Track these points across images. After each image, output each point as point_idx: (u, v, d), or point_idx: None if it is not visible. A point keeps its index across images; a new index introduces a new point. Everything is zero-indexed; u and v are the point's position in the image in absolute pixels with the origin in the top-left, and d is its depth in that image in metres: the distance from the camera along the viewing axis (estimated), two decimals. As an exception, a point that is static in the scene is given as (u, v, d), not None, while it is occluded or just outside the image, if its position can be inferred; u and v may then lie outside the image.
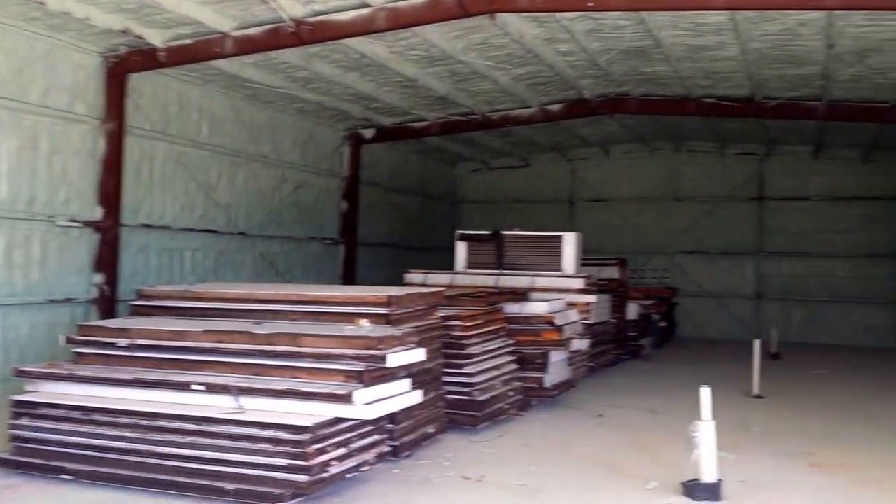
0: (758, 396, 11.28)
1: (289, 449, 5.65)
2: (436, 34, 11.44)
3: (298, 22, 10.31)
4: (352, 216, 17.61)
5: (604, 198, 22.33)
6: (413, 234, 21.08)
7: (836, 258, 20.19)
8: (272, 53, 11.64)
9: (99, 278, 11.27)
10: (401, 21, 10.16)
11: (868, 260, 19.93)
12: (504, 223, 21.06)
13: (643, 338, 15.99)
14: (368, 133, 17.49)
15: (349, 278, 17.42)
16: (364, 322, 6.72)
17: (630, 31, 11.52)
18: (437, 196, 22.65)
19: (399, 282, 12.57)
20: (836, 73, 12.70)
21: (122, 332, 6.97)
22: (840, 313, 20.10)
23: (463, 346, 8.52)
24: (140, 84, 12.01)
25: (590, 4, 9.50)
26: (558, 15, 10.63)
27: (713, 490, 6.16)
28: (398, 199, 20.29)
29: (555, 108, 16.33)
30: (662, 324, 17.77)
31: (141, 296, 8.16)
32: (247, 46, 10.96)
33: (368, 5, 10.04)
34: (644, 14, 10.46)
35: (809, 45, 11.46)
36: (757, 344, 11.78)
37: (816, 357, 16.58)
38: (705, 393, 6.13)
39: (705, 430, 6.07)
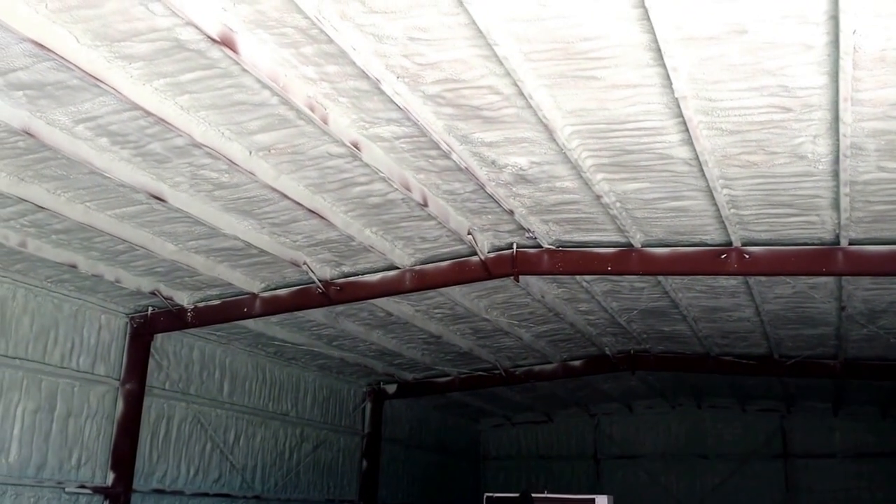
0: None
1: None
2: (460, 294, 11.70)
3: (327, 283, 10.61)
4: (373, 476, 17.07)
5: (629, 454, 21.69)
6: (434, 494, 20.28)
7: (869, 519, 19.18)
8: (299, 312, 11.87)
9: (106, 549, 10.74)
10: (427, 283, 10.41)
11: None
12: (528, 481, 20.46)
13: None
14: (390, 388, 17.41)
15: (368, 545, 16.57)
16: None
17: (647, 293, 11.76)
18: (459, 452, 22.04)
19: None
20: (850, 333, 12.80)
21: None
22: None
23: None
24: (163, 343, 12.16)
25: (609, 269, 9.76)
26: (578, 277, 10.90)
27: None
28: (419, 457, 19.75)
29: (576, 363, 16.34)
30: None
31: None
32: (274, 306, 11.19)
33: (396, 267, 10.36)
34: (660, 277, 10.72)
35: (822, 307, 11.64)
36: None
37: None
38: None
39: None
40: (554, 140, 6.87)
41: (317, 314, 12.20)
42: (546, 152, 7.26)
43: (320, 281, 10.49)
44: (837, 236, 8.67)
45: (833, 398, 18.90)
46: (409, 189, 7.93)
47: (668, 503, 20.81)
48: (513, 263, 9.91)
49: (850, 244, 8.79)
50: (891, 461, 19.29)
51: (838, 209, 7.91)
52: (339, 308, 11.99)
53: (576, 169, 7.47)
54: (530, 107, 6.30)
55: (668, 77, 5.72)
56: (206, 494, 12.87)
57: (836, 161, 6.88)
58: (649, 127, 6.67)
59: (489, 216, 9.06)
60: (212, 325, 11.91)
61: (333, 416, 16.31)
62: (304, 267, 10.13)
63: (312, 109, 6.39)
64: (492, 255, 9.96)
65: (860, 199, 7.71)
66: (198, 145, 6.96)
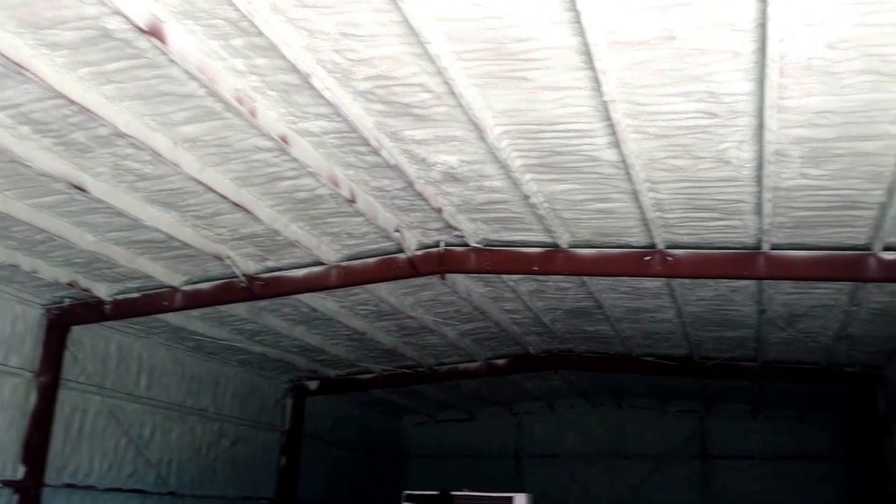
0: None
1: None
2: (386, 291, 11.63)
3: (251, 278, 10.41)
4: (291, 473, 16.85)
5: (550, 453, 21.91)
6: (356, 492, 20.15)
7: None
8: (221, 307, 11.62)
9: (12, 546, 10.36)
10: (353, 279, 10.32)
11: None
12: (451, 479, 20.46)
13: None
14: (312, 385, 17.21)
15: (285, 542, 16.36)
16: None
17: (572, 293, 11.88)
18: (382, 450, 21.94)
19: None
20: (770, 337, 13.14)
21: None
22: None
23: None
24: (80, 336, 11.77)
25: (535, 268, 9.84)
26: (505, 276, 10.96)
27: None
28: (340, 454, 19.57)
29: (500, 362, 16.43)
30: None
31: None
32: (196, 300, 10.92)
33: (322, 263, 10.24)
34: (585, 278, 10.84)
35: (742, 310, 11.94)
36: None
37: None
38: None
39: None
40: (484, 139, 6.88)
41: (239, 309, 11.96)
42: (476, 151, 7.27)
43: (244, 275, 10.29)
44: (759, 241, 8.87)
45: (752, 400, 19.39)
46: (337, 185, 7.84)
47: (587, 502, 21.10)
48: (440, 261, 9.91)
49: (771, 249, 9.00)
50: (807, 464, 19.81)
51: (761, 214, 8.09)
52: (263, 303, 11.80)
53: (505, 169, 7.49)
54: (461, 106, 6.30)
55: (597, 80, 5.78)
56: (120, 489, 12.51)
57: (760, 167, 7.04)
58: (578, 129, 6.73)
59: (417, 214, 9.02)
60: (130, 318, 11.61)
61: (253, 412, 16.03)
62: (228, 261, 9.92)
63: (240, 102, 6.27)
64: (419, 252, 9.93)
65: (783, 204, 7.91)
66: (122, 135, 6.77)
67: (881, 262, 8.70)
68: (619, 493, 21.09)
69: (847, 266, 8.87)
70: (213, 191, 7.79)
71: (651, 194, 7.96)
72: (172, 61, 5.76)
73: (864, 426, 14.91)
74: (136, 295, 11.06)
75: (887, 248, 8.63)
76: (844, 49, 5.27)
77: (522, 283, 11.52)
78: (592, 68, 5.65)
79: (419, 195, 8.23)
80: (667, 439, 21.08)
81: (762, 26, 5.06)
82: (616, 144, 6.86)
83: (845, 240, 8.68)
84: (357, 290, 11.39)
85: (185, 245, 9.41)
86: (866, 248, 8.73)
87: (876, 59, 5.33)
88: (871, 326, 11.91)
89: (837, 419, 19.57)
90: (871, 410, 14.62)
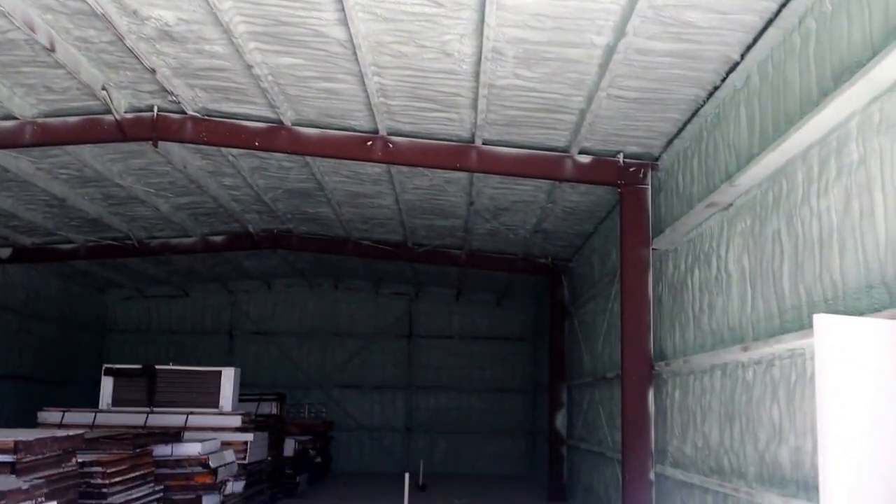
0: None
1: None
2: (90, 155, 10.76)
3: (-75, 128, 9.16)
4: (-24, 345, 15.52)
5: (264, 331, 22.11)
6: (52, 367, 18.99)
7: (475, 393, 21.91)
8: None
9: None
10: (51, 139, 9.42)
11: (500, 394, 21.85)
12: (159, 356, 19.99)
13: (299, 474, 15.73)
14: (4, 253, 15.73)
15: (-34, 417, 15.16)
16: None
17: (295, 173, 11.77)
18: (83, 324, 20.76)
19: (32, 422, 11.28)
20: (476, 227, 14.01)
21: None
22: (478, 444, 21.65)
23: (104, 496, 7.88)
24: None
25: (256, 144, 9.58)
26: (224, 150, 10.56)
27: None
28: (35, 327, 18.25)
29: (217, 239, 16.05)
30: (318, 459, 17.68)
31: None
32: None
33: (14, 118, 9.21)
34: (308, 158, 10.75)
35: (454, 201, 12.55)
36: (407, 478, 12.33)
37: (458, 486, 17.74)
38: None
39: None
40: (205, -2, 6.44)
41: (-88, 162, 10.53)
42: (195, 10, 6.80)
43: (-83, 124, 9.02)
44: (473, 135, 9.25)
45: (456, 286, 20.85)
46: (33, 29, 7.00)
47: (297, 377, 21.72)
48: (152, 127, 9.33)
49: (483, 144, 9.45)
50: (500, 343, 22.04)
51: (476, 110, 8.40)
52: (-57, 158, 10.47)
53: (227, 33, 7.10)
54: (179, -44, 5.81)
55: (327, -50, 5.57)
56: None
57: (479, 63, 7.26)
58: (306, 0, 6.50)
59: (128, 73, 8.34)
60: None
61: (-69, 280, 14.43)
62: None
63: None
64: (129, 115, 9.26)
65: (496, 102, 8.25)
66: None
67: (576, 164, 9.49)
68: (329, 368, 21.96)
69: (547, 165, 9.58)
70: None
71: (376, 79, 7.97)
72: None
73: (550, 311, 16.56)
74: None
75: (582, 152, 9.39)
76: (562, -47, 5.48)
77: (243, 159, 11.19)
78: (322, -65, 5.43)
79: (130, 52, 7.59)
80: (378, 319, 22.20)
81: (490, -82, 5.11)
82: (344, 22, 6.72)
83: (547, 141, 9.31)
84: (56, 151, 10.43)
85: None
86: (565, 150, 9.44)
87: (589, -33, 5.61)
88: (563, 223, 13.06)
89: (528, 304, 21.77)
90: (556, 297, 16.24)
